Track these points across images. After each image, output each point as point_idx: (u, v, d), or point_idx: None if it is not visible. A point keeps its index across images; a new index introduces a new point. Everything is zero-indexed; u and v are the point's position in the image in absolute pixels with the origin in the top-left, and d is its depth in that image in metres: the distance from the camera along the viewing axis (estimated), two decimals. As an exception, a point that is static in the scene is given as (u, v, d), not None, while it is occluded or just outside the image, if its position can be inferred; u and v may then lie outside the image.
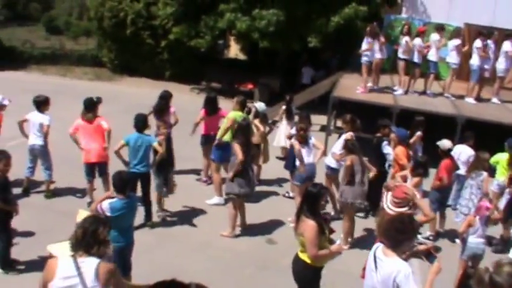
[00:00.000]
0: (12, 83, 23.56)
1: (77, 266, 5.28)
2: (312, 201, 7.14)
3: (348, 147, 10.63)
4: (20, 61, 30.60)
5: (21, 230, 10.11)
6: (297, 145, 11.12)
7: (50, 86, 22.76)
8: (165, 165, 11.04)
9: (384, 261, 5.64)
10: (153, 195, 11.13)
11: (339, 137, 12.17)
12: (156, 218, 11.20)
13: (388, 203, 7.62)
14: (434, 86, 18.03)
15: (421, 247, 6.50)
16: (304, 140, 11.13)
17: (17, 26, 55.96)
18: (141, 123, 10.79)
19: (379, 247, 5.83)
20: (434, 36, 17.03)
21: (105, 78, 28.33)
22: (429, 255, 6.21)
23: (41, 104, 12.00)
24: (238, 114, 12.28)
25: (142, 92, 23.89)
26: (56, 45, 39.34)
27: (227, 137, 12.17)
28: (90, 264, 5.28)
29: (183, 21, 24.74)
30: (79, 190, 12.35)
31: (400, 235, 5.65)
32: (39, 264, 8.99)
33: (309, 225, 6.96)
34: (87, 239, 5.37)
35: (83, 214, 8.78)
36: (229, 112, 12.60)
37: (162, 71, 27.73)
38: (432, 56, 17.09)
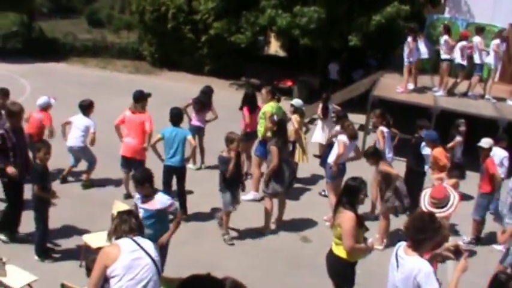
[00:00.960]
0: (54, 74, 23.88)
1: (137, 242, 5.55)
2: (351, 194, 7.18)
3: (377, 156, 10.54)
4: (62, 53, 30.95)
5: (58, 218, 10.18)
6: (344, 142, 11.05)
7: (90, 77, 23.02)
8: (234, 180, 10.29)
9: (405, 259, 5.62)
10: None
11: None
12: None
13: (425, 203, 7.47)
14: (477, 88, 17.75)
15: (449, 244, 6.40)
16: (354, 136, 11.11)
17: (60, 18, 56.52)
18: (176, 117, 10.83)
19: (401, 245, 5.78)
20: (476, 38, 16.78)
21: (145, 71, 28.48)
22: (457, 252, 6.12)
23: (86, 108, 12.21)
24: (270, 105, 12.31)
25: (181, 86, 23.96)
26: (98, 38, 39.65)
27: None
28: (145, 240, 5.63)
29: (224, 16, 24.76)
30: (116, 181, 12.45)
31: (420, 234, 5.57)
32: (74, 252, 9.12)
33: (347, 216, 6.99)
34: (131, 225, 5.75)
35: (118, 205, 8.86)
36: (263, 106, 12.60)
37: (201, 66, 27.73)
38: (477, 58, 16.83)
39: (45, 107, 12.32)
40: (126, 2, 51.71)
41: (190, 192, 11.75)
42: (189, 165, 13.23)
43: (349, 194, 7.19)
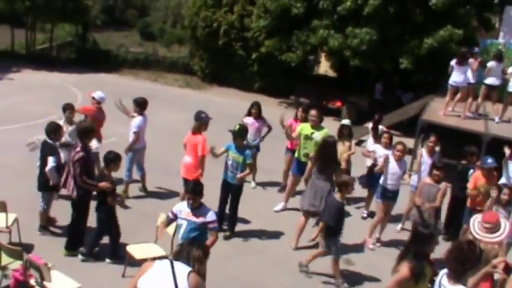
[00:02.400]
0: (105, 85, 24.15)
1: (173, 267, 5.38)
2: (421, 244, 6.56)
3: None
4: (114, 64, 31.47)
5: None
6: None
7: (141, 90, 23.21)
8: (338, 228, 9.63)
9: None
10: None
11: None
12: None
13: (476, 229, 7.17)
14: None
15: (496, 261, 6.24)
16: (401, 157, 11.02)
17: (113, 30, 57.50)
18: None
19: (444, 274, 5.63)
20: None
21: (195, 86, 28.72)
22: (507, 268, 5.97)
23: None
24: (302, 126, 12.27)
25: (230, 102, 24.11)
26: (149, 51, 40.19)
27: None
28: (183, 269, 5.38)
29: (275, 34, 24.85)
30: (163, 194, 12.54)
31: (460, 266, 5.44)
32: (118, 262, 9.17)
33: (403, 271, 6.42)
34: (183, 256, 5.52)
35: (163, 218, 8.91)
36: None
37: (251, 83, 27.84)
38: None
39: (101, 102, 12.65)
40: (179, 16, 52.35)
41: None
42: (249, 183, 13.62)
43: (418, 243, 6.54)
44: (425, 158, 11.94)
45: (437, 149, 12.29)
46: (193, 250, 5.58)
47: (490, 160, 10.84)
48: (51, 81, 25.47)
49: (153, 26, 63.83)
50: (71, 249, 9.58)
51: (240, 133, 10.73)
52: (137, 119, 12.20)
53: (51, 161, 9.69)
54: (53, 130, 9.98)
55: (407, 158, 16.15)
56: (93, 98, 12.63)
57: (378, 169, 11.14)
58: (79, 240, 9.69)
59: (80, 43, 35.18)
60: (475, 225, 7.17)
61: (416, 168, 12.26)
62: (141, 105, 12.31)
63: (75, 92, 23.15)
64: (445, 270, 5.67)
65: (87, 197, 9.58)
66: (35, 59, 30.85)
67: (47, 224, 10.38)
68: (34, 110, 19.04)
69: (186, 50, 37.23)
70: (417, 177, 12.00)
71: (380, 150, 11.77)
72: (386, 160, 10.92)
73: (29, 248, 9.22)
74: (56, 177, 9.82)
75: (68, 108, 11.60)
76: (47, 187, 10.03)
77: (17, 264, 7.71)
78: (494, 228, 7.00)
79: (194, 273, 5.42)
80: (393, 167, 10.97)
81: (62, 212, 10.26)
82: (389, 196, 11.08)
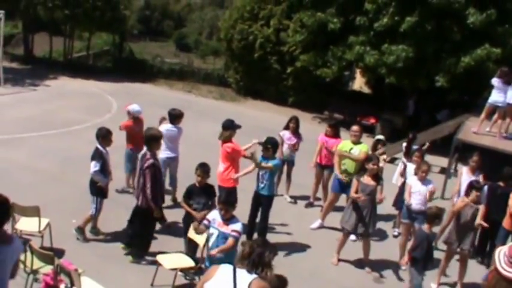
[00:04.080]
0: (140, 94, 24.48)
1: (234, 275, 5.38)
2: None
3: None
4: (150, 74, 31.79)
5: None
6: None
7: (175, 100, 23.40)
8: (429, 258, 9.18)
9: None
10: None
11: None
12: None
13: (501, 262, 6.36)
14: None
15: None
16: (425, 177, 10.86)
17: (149, 40, 58.03)
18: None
19: None
20: None
21: (229, 98, 28.84)
22: None
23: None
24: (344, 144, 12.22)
25: (264, 116, 24.17)
26: (184, 62, 40.46)
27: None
28: (246, 277, 5.36)
29: (311, 49, 24.88)
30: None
31: None
32: (147, 271, 9.17)
33: None
34: (252, 258, 5.47)
35: (196, 227, 8.90)
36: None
37: (285, 97, 27.88)
38: None
39: (136, 115, 12.80)
40: (214, 28, 52.66)
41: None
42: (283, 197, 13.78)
43: None
44: (465, 177, 11.78)
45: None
46: (265, 254, 5.56)
47: None
48: (87, 89, 25.77)
49: (188, 37, 64.40)
50: (139, 256, 9.75)
51: (266, 145, 10.73)
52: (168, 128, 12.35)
53: (93, 166, 9.84)
54: (102, 135, 10.10)
55: (441, 177, 16.08)
56: (128, 112, 12.77)
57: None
58: (146, 247, 9.84)
59: (116, 52, 35.61)
60: (501, 258, 6.60)
61: (456, 187, 12.06)
62: (176, 116, 12.42)
63: (110, 100, 23.38)
64: None
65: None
66: (72, 67, 31.34)
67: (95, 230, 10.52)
68: (70, 117, 19.27)
69: (221, 62, 37.44)
70: (457, 197, 11.84)
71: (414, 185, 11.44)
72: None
73: (60, 253, 9.28)
74: (103, 179, 9.97)
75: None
76: (97, 191, 10.10)
77: (48, 268, 7.76)
78: None
79: (257, 280, 5.40)
80: (417, 186, 10.85)
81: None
82: (414, 217, 10.91)
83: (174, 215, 11.68)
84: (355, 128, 12.14)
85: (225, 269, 5.49)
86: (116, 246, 10.23)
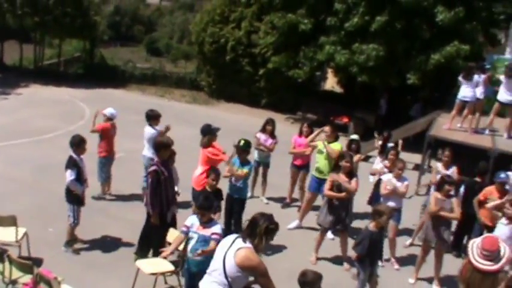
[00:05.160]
0: (113, 100, 24.34)
1: (233, 242, 6.06)
2: None
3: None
4: (122, 80, 31.70)
5: (113, 243, 10.63)
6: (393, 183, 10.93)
7: (148, 105, 23.14)
8: (374, 255, 9.24)
9: None
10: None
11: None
12: None
13: (474, 254, 6.63)
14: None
15: None
16: (401, 174, 10.98)
17: (120, 46, 57.80)
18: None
19: None
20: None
21: (202, 101, 28.86)
22: None
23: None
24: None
25: (237, 118, 24.20)
26: (156, 67, 40.39)
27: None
28: (239, 244, 6.01)
29: (282, 50, 24.99)
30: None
31: None
32: (126, 277, 9.13)
33: None
34: (249, 227, 6.12)
35: (173, 233, 8.92)
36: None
37: (258, 99, 27.98)
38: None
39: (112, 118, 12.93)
40: (185, 32, 52.60)
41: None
42: (259, 199, 13.88)
43: None
44: (441, 172, 11.94)
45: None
46: (259, 223, 6.05)
47: (502, 175, 10.84)
48: (59, 96, 25.61)
49: (159, 41, 64.21)
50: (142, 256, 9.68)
51: (245, 148, 10.78)
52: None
53: (68, 175, 9.76)
54: (76, 143, 10.01)
55: (415, 174, 16.24)
56: (105, 115, 12.78)
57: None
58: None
59: (88, 58, 35.41)
60: (474, 250, 6.73)
61: (433, 180, 12.18)
62: (155, 117, 12.74)
63: (82, 107, 23.27)
64: None
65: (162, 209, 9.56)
66: (43, 74, 31.14)
67: (73, 240, 10.40)
68: (42, 125, 19.14)
69: (193, 66, 37.43)
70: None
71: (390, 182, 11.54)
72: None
73: (38, 262, 9.24)
74: (79, 187, 9.89)
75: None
76: (73, 199, 10.02)
77: (27, 278, 7.73)
78: (492, 256, 6.53)
79: (246, 249, 5.84)
80: (392, 184, 10.96)
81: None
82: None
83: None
84: (326, 128, 12.26)
85: (229, 237, 6.12)
86: (94, 253, 10.23)
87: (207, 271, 6.30)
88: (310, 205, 12.61)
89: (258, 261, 6.01)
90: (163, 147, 9.64)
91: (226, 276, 5.99)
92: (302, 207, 12.86)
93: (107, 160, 12.80)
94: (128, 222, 11.61)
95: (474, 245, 6.59)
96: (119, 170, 13.60)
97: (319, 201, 12.35)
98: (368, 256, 8.97)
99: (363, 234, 9.05)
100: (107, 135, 12.71)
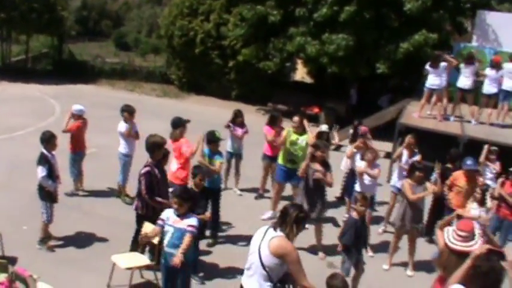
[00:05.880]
0: (83, 96, 24.21)
1: (266, 232, 6.29)
2: None
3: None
4: (91, 75, 31.49)
5: (87, 238, 10.64)
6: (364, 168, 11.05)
7: (118, 100, 23.10)
8: (359, 243, 9.26)
9: None
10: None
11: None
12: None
13: (450, 237, 6.94)
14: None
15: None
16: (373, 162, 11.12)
17: (88, 41, 57.33)
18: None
19: None
20: (508, 66, 16.68)
21: (173, 95, 28.78)
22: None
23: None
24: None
25: (209, 111, 24.16)
26: (125, 61, 40.13)
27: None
28: (271, 234, 6.21)
29: (252, 42, 24.99)
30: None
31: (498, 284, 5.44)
32: (102, 272, 9.13)
33: None
34: (280, 216, 6.32)
35: (147, 226, 8.92)
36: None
37: (228, 91, 27.94)
38: (508, 86, 16.68)
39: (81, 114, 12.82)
40: (154, 26, 52.36)
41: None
42: (232, 191, 13.98)
43: None
44: (405, 158, 12.12)
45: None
46: (290, 211, 6.18)
47: (469, 162, 10.98)
48: (29, 93, 25.36)
49: (128, 36, 63.84)
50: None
51: (214, 139, 10.84)
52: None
53: (40, 171, 9.70)
54: (46, 139, 9.92)
55: (386, 162, 16.39)
56: (72, 113, 12.76)
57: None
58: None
59: (56, 54, 35.07)
60: (450, 234, 6.96)
61: (401, 164, 12.33)
62: (132, 112, 12.77)
63: (52, 104, 23.10)
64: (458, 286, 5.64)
65: (151, 212, 9.21)
66: (11, 71, 30.78)
67: (47, 237, 10.34)
68: (12, 122, 18.94)
69: (162, 60, 37.31)
70: (397, 177, 12.20)
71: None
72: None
73: (13, 260, 9.17)
74: (51, 184, 9.84)
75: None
76: (46, 196, 9.95)
77: (2, 277, 7.67)
78: (468, 236, 6.84)
79: (278, 237, 6.06)
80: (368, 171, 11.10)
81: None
82: None
83: (127, 214, 11.66)
84: (295, 119, 12.32)
85: (261, 229, 6.39)
86: (69, 250, 10.21)
87: (245, 266, 6.45)
88: (279, 195, 12.71)
89: (291, 248, 6.13)
90: (157, 148, 9.43)
91: (264, 267, 6.13)
92: (273, 197, 12.94)
93: (78, 156, 12.77)
94: (102, 217, 11.60)
95: (449, 230, 6.86)
96: (91, 165, 13.56)
97: (288, 191, 12.63)
98: (354, 245, 9.05)
99: (348, 224, 9.13)
100: (79, 132, 12.70)
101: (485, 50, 20.55)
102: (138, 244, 9.16)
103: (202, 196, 9.49)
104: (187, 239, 7.58)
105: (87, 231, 10.94)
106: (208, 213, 9.28)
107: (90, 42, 57.92)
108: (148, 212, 9.21)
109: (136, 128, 12.76)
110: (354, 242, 8.97)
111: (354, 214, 9.13)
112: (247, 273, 6.39)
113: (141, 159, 10.09)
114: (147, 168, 9.18)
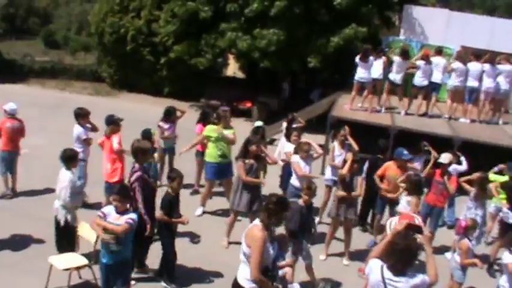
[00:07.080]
0: (13, 96, 23.51)
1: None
2: None
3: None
4: (20, 74, 30.81)
5: (23, 240, 10.46)
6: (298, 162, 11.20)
7: (49, 99, 22.87)
8: (305, 229, 9.37)
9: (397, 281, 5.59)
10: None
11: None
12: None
13: (392, 227, 7.14)
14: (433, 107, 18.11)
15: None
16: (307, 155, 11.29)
17: (15, 39, 56.03)
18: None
19: (384, 267, 5.69)
20: (438, 59, 17.20)
21: (104, 93, 28.52)
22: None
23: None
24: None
25: (140, 108, 24.01)
26: (55, 60, 39.40)
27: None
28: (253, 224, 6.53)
29: (184, 39, 24.91)
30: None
31: (406, 260, 5.61)
32: (39, 274, 9.02)
33: None
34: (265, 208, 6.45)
35: (84, 227, 8.87)
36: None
37: (161, 88, 27.84)
38: (437, 78, 17.21)
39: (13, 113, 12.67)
40: (84, 23, 51.54)
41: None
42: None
43: None
44: (337, 152, 12.34)
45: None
46: (268, 200, 6.40)
47: (405, 152, 11.31)
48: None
49: (57, 34, 62.53)
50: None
51: (147, 135, 10.98)
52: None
53: None
54: None
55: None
56: (5, 111, 12.52)
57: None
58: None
59: (-18, 53, 34.26)
60: (392, 226, 7.20)
61: (330, 161, 12.57)
62: (86, 115, 12.48)
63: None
64: (380, 263, 5.78)
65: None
66: None
67: None
68: None
69: (93, 57, 36.77)
70: (331, 171, 12.41)
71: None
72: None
73: None
74: None
75: None
76: None
77: None
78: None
79: (254, 226, 6.33)
80: (301, 165, 11.24)
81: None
82: (300, 194, 11.26)
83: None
84: (222, 112, 12.54)
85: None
86: (4, 253, 9.99)
87: (241, 256, 6.48)
88: (210, 192, 12.92)
89: (258, 237, 6.21)
90: (140, 152, 9.29)
91: (244, 255, 6.36)
92: (203, 195, 13.04)
93: (7, 155, 12.55)
94: (36, 219, 11.39)
95: (392, 222, 7.14)
96: (24, 166, 13.30)
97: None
98: (300, 230, 9.18)
99: (293, 209, 9.07)
100: (13, 131, 12.52)
101: (412, 43, 21.03)
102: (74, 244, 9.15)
103: (178, 200, 9.31)
104: (124, 224, 7.55)
105: (22, 233, 10.71)
106: (185, 217, 9.20)
107: (18, 41, 56.62)
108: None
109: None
110: (300, 227, 9.11)
111: (301, 201, 9.29)
112: (241, 262, 6.51)
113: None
114: (138, 173, 9.03)
